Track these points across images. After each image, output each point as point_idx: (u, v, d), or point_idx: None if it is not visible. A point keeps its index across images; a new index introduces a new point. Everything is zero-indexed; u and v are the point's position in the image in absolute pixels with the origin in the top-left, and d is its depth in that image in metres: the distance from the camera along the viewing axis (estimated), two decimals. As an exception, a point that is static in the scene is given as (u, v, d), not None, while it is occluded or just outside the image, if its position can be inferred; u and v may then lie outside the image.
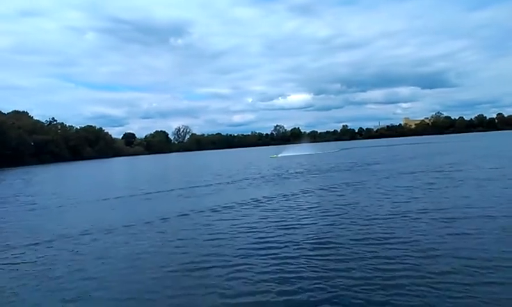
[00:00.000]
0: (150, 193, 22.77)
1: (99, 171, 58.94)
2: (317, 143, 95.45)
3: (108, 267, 8.84)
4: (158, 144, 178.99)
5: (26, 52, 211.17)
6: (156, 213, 15.22)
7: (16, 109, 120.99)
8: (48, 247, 10.87)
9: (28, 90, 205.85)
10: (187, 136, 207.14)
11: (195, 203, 17.59)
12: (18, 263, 9.42)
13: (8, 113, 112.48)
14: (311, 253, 8.78)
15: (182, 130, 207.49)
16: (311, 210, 14.42)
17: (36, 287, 7.75)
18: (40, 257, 9.94)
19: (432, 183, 18.98)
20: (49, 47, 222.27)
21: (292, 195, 18.29)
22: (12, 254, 10.33)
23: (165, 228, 12.54)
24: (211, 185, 25.17)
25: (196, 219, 13.92)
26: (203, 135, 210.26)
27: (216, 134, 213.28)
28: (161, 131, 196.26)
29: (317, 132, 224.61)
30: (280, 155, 64.65)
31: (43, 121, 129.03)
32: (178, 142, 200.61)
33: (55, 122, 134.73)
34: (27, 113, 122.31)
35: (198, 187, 24.72)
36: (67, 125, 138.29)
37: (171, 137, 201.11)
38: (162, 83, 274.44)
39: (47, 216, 16.82)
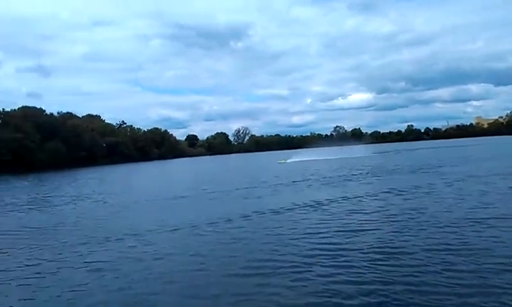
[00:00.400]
0: (213, 193, 23.36)
1: (165, 171, 61.65)
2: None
3: (172, 266, 9.10)
4: (219, 145, 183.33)
5: (98, 60, 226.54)
6: (219, 213, 15.49)
7: (90, 113, 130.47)
8: (118, 244, 11.48)
9: (100, 95, 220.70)
10: (247, 137, 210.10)
11: (256, 204, 17.68)
12: (91, 261, 9.96)
13: (82, 117, 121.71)
14: (376, 262, 8.36)
15: (241, 131, 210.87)
16: (375, 214, 13.86)
17: (104, 283, 8.16)
18: (109, 253, 10.50)
19: (511, 188, 17.42)
20: (119, 54, 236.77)
21: (354, 197, 17.74)
22: (85, 250, 11.01)
23: (227, 229, 12.69)
24: (270, 186, 25.20)
25: (257, 220, 13.96)
26: (263, 136, 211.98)
27: (275, 135, 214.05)
28: (222, 133, 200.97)
29: (379, 132, 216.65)
30: (289, 161, 57.38)
31: (114, 124, 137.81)
32: (238, 144, 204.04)
33: (124, 125, 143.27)
34: (99, 117, 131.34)
35: (257, 187, 24.90)
36: (135, 127, 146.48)
37: (231, 138, 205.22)
38: (223, 86, 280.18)
39: (117, 214, 17.85)
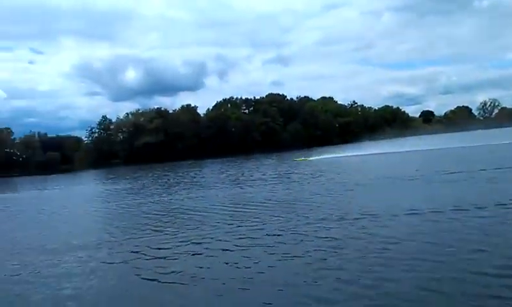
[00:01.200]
0: (452, 173, 20.84)
1: (399, 149, 59.07)
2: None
3: (405, 253, 8.46)
4: (459, 120, 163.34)
5: (330, 43, 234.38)
6: (463, 199, 13.41)
7: (324, 95, 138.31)
8: (353, 224, 11.54)
9: (332, 77, 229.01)
10: (496, 110, 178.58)
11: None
12: (326, 240, 10.35)
13: (317, 99, 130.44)
14: None
15: (488, 104, 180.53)
16: None
17: (339, 261, 8.26)
18: (345, 232, 10.66)
19: None
20: (349, 34, 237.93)
21: None
22: (322, 226, 11.54)
23: (475, 219, 10.78)
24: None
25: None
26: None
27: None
28: (463, 106, 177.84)
29: None
30: (310, 159, 45.57)
31: (346, 104, 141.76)
32: (485, 118, 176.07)
33: (355, 104, 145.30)
34: (332, 98, 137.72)
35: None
36: (366, 106, 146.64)
37: (475, 112, 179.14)
38: (464, 53, 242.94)
39: (351, 192, 18.37)
